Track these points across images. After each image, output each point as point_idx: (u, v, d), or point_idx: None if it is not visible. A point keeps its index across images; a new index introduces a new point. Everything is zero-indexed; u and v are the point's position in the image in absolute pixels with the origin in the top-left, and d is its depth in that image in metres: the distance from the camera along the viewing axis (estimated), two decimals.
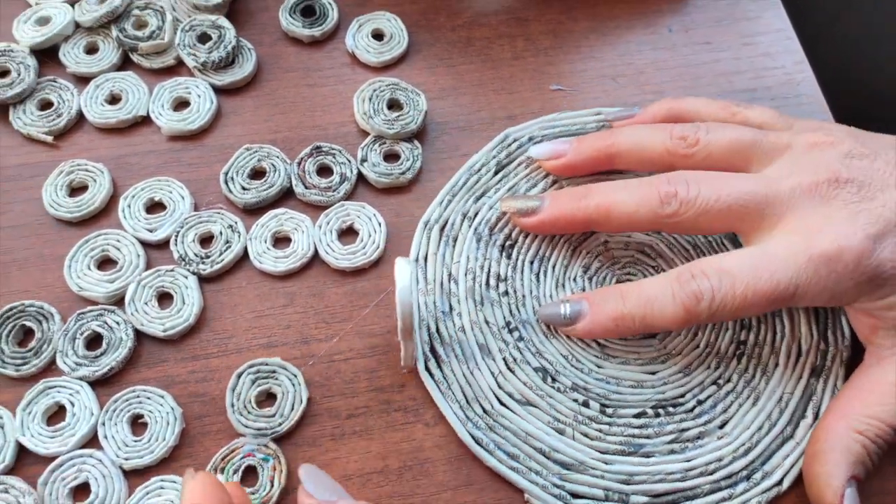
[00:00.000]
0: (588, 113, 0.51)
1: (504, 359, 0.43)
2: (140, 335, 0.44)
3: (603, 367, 0.43)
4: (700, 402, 0.42)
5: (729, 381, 0.42)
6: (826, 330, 0.43)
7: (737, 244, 0.46)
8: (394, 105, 0.50)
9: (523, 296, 0.45)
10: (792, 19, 0.57)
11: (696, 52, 0.55)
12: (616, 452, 0.40)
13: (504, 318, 0.44)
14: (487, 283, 0.45)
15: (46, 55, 0.52)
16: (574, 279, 0.46)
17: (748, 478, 0.40)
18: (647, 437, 0.41)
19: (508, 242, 0.46)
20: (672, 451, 0.40)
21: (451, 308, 0.44)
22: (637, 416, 0.41)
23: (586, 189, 0.43)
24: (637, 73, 0.54)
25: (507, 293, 0.45)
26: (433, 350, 0.43)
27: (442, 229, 0.47)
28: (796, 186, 0.39)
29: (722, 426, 0.41)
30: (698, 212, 0.39)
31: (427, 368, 0.42)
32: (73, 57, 0.51)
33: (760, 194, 0.39)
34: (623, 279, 0.46)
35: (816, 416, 0.41)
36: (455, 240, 0.46)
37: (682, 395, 0.42)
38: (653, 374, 0.43)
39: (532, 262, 0.46)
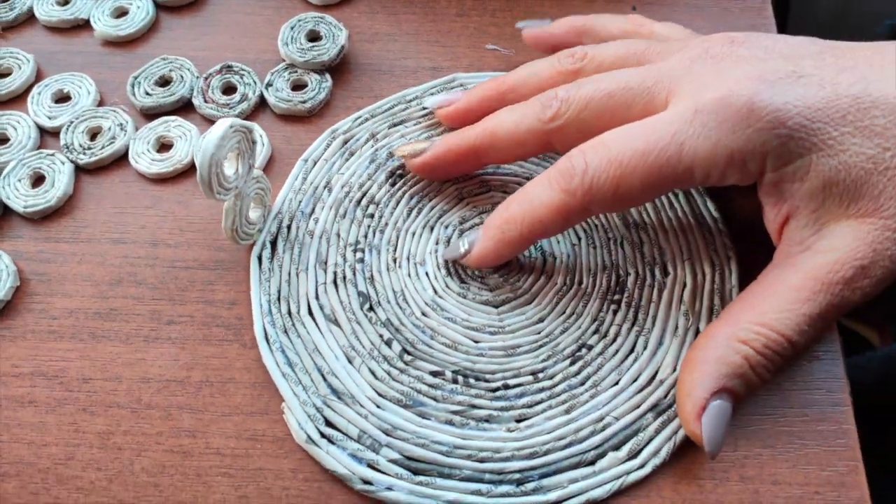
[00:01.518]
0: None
1: (335, 273, 0.41)
2: (7, 210, 0.44)
3: (427, 317, 0.39)
4: (507, 387, 0.37)
5: (550, 378, 0.38)
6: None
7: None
8: (315, 38, 0.49)
9: (386, 224, 0.43)
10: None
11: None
12: (392, 399, 0.36)
13: (356, 237, 0.42)
14: (359, 202, 0.43)
15: None
16: (446, 226, 0.42)
17: (519, 483, 0.34)
18: (433, 398, 0.37)
19: (399, 172, 0.45)
20: (450, 422, 0.36)
21: (311, 212, 0.43)
22: (433, 374, 0.37)
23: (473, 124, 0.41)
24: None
25: (372, 216, 0.43)
26: (273, 243, 0.42)
27: (346, 142, 0.46)
28: (684, 56, 0.34)
29: (519, 420, 0.36)
30: (579, 107, 0.35)
31: (259, 257, 0.41)
32: None
33: (644, 73, 0.34)
34: None
35: (630, 453, 0.35)
36: (352, 154, 0.45)
37: (493, 373, 0.38)
38: (476, 342, 0.39)
39: (412, 197, 0.44)
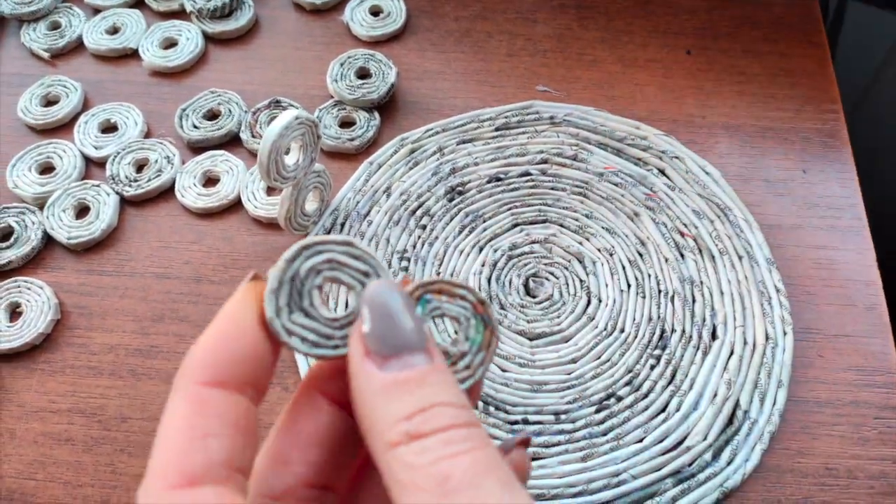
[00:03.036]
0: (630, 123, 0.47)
1: None
2: (51, 240, 0.44)
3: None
4: (526, 423, 0.37)
5: (572, 422, 0.37)
6: None
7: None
8: (364, 75, 0.49)
9: (436, 238, 0.43)
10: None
11: (719, 76, 0.50)
12: None
13: (405, 245, 0.42)
14: (414, 212, 0.43)
15: None
16: (496, 249, 0.42)
17: None
18: None
19: (459, 188, 0.44)
20: None
21: (367, 213, 0.43)
22: None
23: None
24: (637, 88, 0.49)
25: (424, 227, 0.43)
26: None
27: (413, 151, 0.46)
28: None
29: (533, 459, 0.36)
30: None
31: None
32: None
33: None
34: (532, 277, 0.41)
35: None
36: (416, 164, 0.45)
37: (514, 405, 0.38)
38: (503, 371, 0.38)
39: (468, 216, 0.43)
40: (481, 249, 0.42)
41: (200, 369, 0.18)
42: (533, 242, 0.43)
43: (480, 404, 0.37)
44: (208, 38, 0.52)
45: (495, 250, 0.42)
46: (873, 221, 0.44)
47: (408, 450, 0.17)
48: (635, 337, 0.39)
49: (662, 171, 0.45)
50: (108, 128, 0.48)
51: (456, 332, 0.20)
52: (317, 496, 0.20)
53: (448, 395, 0.18)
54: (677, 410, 0.37)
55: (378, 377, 0.18)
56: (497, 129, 0.46)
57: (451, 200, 0.44)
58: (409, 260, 0.41)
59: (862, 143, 0.48)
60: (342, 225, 0.43)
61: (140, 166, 0.46)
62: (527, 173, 0.45)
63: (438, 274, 0.41)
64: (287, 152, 0.37)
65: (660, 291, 0.41)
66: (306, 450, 0.20)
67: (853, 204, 0.44)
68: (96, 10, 0.54)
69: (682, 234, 0.42)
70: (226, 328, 0.19)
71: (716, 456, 0.36)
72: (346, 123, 0.48)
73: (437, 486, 0.16)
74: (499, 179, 0.45)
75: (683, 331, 0.39)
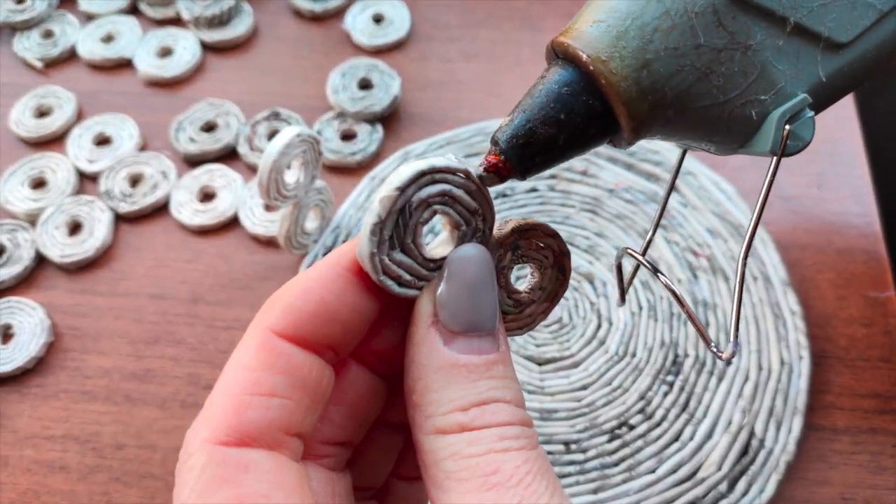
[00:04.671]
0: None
1: None
2: (43, 259, 0.42)
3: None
4: None
5: (583, 452, 0.36)
6: None
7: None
8: (366, 86, 0.48)
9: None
10: None
11: None
12: None
13: None
14: None
15: None
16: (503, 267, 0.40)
17: None
18: None
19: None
20: None
21: None
22: None
23: None
24: None
25: (429, 244, 0.41)
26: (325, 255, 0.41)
27: None
28: None
29: None
30: None
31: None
32: None
33: None
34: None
35: None
36: None
37: None
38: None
39: None
40: None
41: (278, 317, 0.16)
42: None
43: None
44: (205, 47, 0.51)
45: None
46: (890, 240, 0.43)
47: (459, 439, 0.16)
48: (647, 362, 0.38)
49: (675, 188, 0.43)
50: (103, 140, 0.47)
51: (532, 276, 0.19)
52: (333, 452, 0.19)
53: (508, 391, 0.17)
54: (691, 439, 0.36)
55: (442, 354, 0.17)
56: None
57: None
58: None
59: (875, 155, 0.47)
60: (343, 241, 0.42)
61: (135, 181, 0.45)
62: (535, 189, 0.43)
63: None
64: (288, 168, 0.36)
65: (672, 314, 0.39)
66: (328, 406, 0.18)
67: (870, 222, 0.43)
68: (90, 18, 0.52)
69: (696, 254, 0.41)
70: (315, 276, 0.17)
71: (731, 487, 0.35)
72: (348, 136, 0.46)
73: (484, 478, 0.16)
74: (505, 195, 0.43)
75: (697, 356, 0.38)
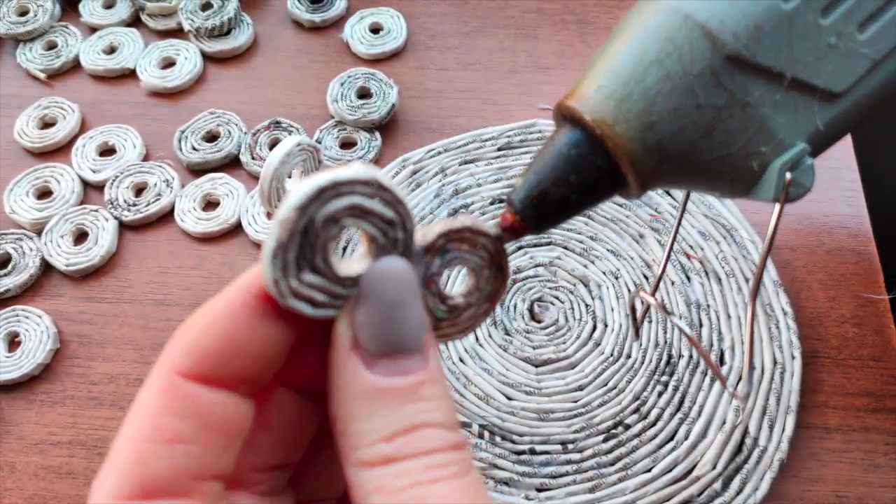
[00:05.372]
0: None
1: None
2: (49, 267, 0.43)
3: (464, 363, 0.39)
4: (533, 453, 0.36)
5: (580, 452, 0.37)
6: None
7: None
8: (365, 94, 0.48)
9: None
10: None
11: None
12: None
13: None
14: None
15: (70, 3, 0.54)
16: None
17: None
18: None
19: (462, 211, 0.44)
20: None
21: None
22: (460, 423, 0.37)
23: None
24: None
25: None
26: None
27: (415, 172, 0.45)
28: None
29: (540, 490, 0.35)
30: None
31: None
32: (90, 9, 0.54)
33: None
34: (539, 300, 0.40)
35: None
36: (418, 186, 0.45)
37: (521, 435, 0.37)
38: (509, 399, 0.38)
39: None
40: None
41: (182, 356, 0.15)
42: (537, 265, 0.42)
43: (486, 434, 0.37)
44: (207, 58, 0.52)
45: None
46: (880, 240, 0.44)
47: (385, 472, 0.15)
48: (642, 363, 0.39)
49: (667, 191, 0.44)
50: (106, 150, 0.47)
51: (467, 279, 0.18)
52: (265, 479, 0.17)
53: (438, 413, 0.16)
54: (686, 438, 0.37)
55: (364, 380, 0.15)
56: (500, 149, 0.46)
57: None
58: None
59: (865, 157, 0.48)
60: (344, 249, 0.42)
61: (139, 190, 0.46)
62: None
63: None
64: (289, 177, 0.37)
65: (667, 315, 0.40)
66: (251, 433, 0.17)
67: (860, 223, 0.44)
68: (93, 29, 0.53)
69: (689, 257, 0.42)
70: (219, 308, 0.15)
71: (725, 485, 0.36)
72: (347, 144, 0.47)
73: None
74: (502, 201, 0.44)
75: (691, 356, 0.39)
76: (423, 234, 0.17)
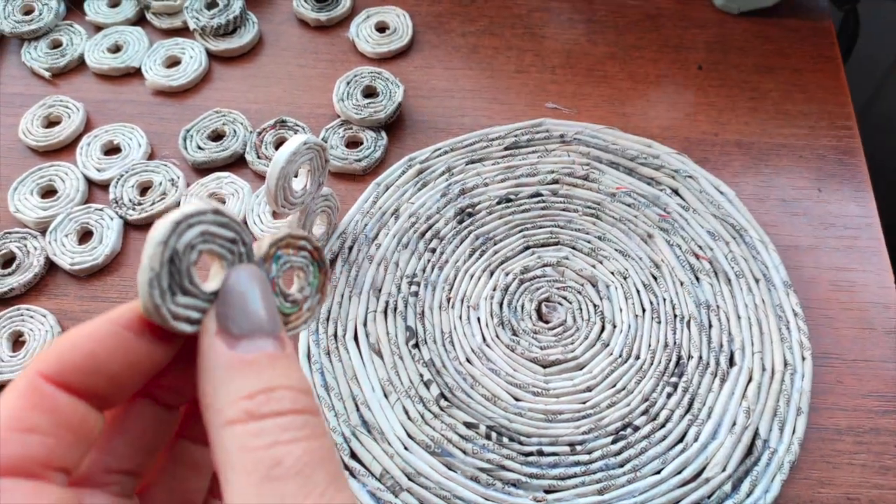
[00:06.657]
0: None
1: (386, 302, 0.40)
2: (53, 266, 0.43)
3: (472, 364, 0.39)
4: (541, 454, 0.36)
5: (588, 453, 0.36)
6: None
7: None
8: (371, 93, 0.48)
9: (446, 261, 0.42)
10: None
11: (730, 92, 0.49)
12: (421, 443, 0.36)
13: (414, 269, 0.41)
14: (423, 234, 0.43)
15: (75, 2, 0.54)
16: (507, 273, 0.42)
17: None
18: (463, 450, 0.36)
19: (469, 210, 0.43)
20: (475, 479, 0.35)
21: (376, 236, 0.42)
22: (467, 425, 0.36)
23: None
24: (648, 104, 0.48)
25: (433, 251, 0.42)
26: (332, 262, 0.42)
27: (421, 172, 0.45)
28: None
29: (548, 491, 0.35)
30: None
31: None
32: (94, 7, 0.54)
33: None
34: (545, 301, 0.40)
35: None
36: (425, 185, 0.45)
37: (529, 436, 0.37)
38: (516, 400, 0.38)
39: (478, 238, 0.43)
40: (492, 273, 0.41)
41: (48, 363, 0.17)
42: (545, 266, 0.42)
43: (494, 435, 0.36)
44: (212, 56, 0.51)
45: (507, 274, 0.41)
46: (891, 241, 0.43)
47: (245, 429, 0.17)
48: (651, 364, 0.39)
49: (676, 191, 0.44)
50: (111, 149, 0.47)
51: (297, 278, 0.21)
52: (117, 480, 0.19)
53: (293, 379, 0.17)
54: (695, 440, 0.36)
55: (226, 354, 0.17)
56: (507, 149, 0.46)
57: (460, 222, 0.43)
58: (418, 284, 0.41)
59: (874, 156, 0.47)
60: (350, 248, 0.42)
61: (144, 189, 0.45)
62: (537, 194, 0.44)
63: (449, 300, 0.40)
64: (295, 176, 0.36)
65: (675, 316, 0.40)
66: (109, 436, 0.19)
67: (870, 223, 0.44)
68: (98, 28, 0.53)
69: (698, 257, 0.41)
70: (88, 332, 0.17)
71: (735, 487, 0.35)
72: (353, 143, 0.47)
73: (266, 470, 0.16)
74: (509, 200, 0.44)
75: (700, 357, 0.39)
76: (258, 247, 0.19)
